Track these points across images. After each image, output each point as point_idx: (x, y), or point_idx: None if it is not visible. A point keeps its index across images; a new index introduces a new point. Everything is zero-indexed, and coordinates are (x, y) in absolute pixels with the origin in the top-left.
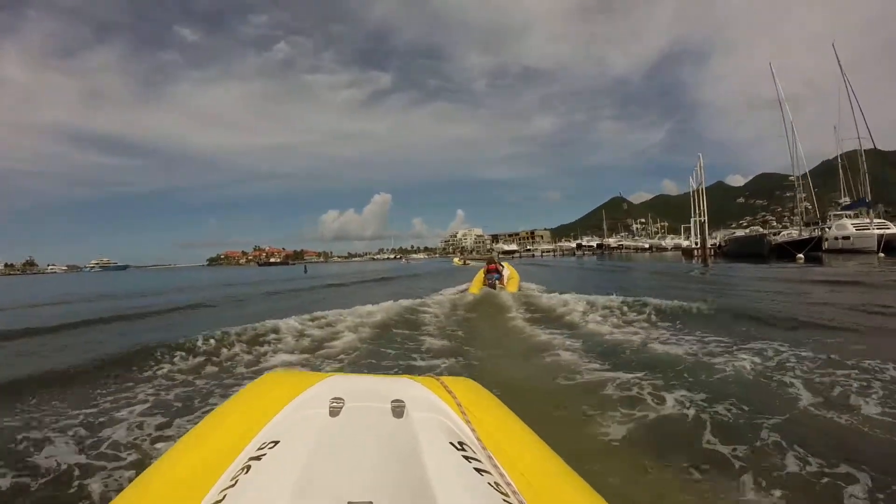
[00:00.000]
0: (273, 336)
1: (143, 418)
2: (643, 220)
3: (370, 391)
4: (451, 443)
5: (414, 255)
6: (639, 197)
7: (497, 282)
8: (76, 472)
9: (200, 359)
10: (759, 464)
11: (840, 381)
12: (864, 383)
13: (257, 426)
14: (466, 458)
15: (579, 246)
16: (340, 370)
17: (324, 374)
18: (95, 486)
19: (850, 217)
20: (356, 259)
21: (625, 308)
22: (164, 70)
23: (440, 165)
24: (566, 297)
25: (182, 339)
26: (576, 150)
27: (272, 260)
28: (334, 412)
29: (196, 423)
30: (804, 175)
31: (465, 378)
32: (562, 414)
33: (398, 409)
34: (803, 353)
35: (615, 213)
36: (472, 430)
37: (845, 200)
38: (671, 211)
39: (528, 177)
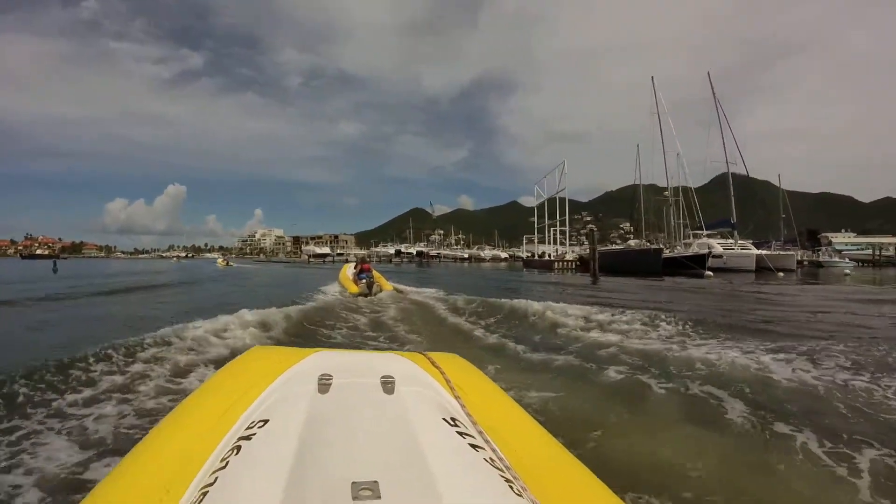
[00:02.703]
0: None
1: None
2: (441, 231)
3: (358, 367)
4: (444, 419)
5: (208, 255)
6: (438, 210)
7: (372, 280)
8: None
9: None
10: None
11: None
12: None
13: (243, 404)
14: (460, 433)
15: (398, 252)
16: None
17: (308, 350)
18: None
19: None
20: (143, 256)
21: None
22: None
23: (241, 161)
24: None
25: None
26: (379, 160)
27: (38, 252)
28: (323, 389)
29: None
30: (680, 189)
31: (452, 354)
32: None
33: (388, 385)
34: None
35: (420, 223)
36: (462, 406)
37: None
38: (468, 224)
39: (331, 181)
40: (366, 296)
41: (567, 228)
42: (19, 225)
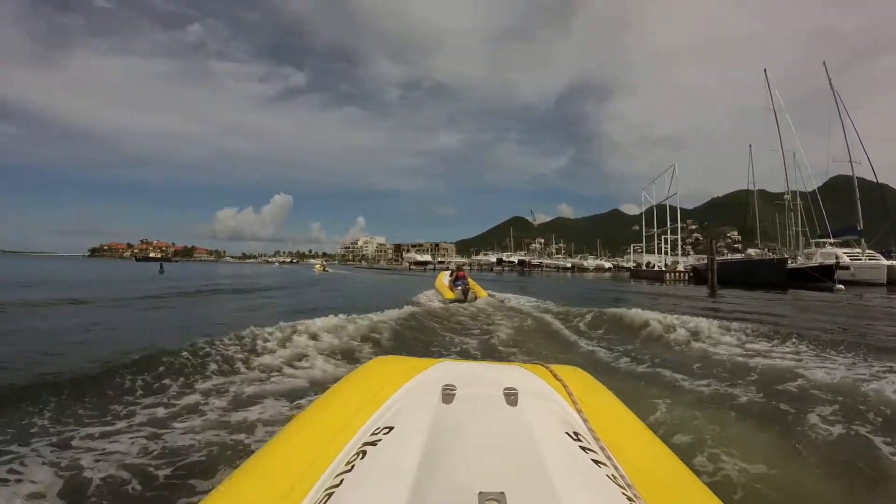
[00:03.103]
0: None
1: None
2: (542, 240)
3: (481, 378)
4: (567, 433)
5: (311, 260)
6: (538, 218)
7: (467, 287)
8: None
9: None
10: None
11: None
12: None
13: (368, 411)
14: (583, 448)
15: (499, 261)
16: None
17: (432, 360)
18: None
19: (834, 246)
20: (249, 261)
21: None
22: (64, 31)
23: (343, 171)
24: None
25: None
26: (477, 168)
27: (151, 255)
28: (447, 399)
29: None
30: (798, 193)
31: (574, 367)
32: None
33: (511, 397)
34: None
35: (520, 231)
36: (584, 420)
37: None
38: (568, 233)
39: (430, 190)
40: (461, 302)
41: (679, 237)
42: (137, 230)
